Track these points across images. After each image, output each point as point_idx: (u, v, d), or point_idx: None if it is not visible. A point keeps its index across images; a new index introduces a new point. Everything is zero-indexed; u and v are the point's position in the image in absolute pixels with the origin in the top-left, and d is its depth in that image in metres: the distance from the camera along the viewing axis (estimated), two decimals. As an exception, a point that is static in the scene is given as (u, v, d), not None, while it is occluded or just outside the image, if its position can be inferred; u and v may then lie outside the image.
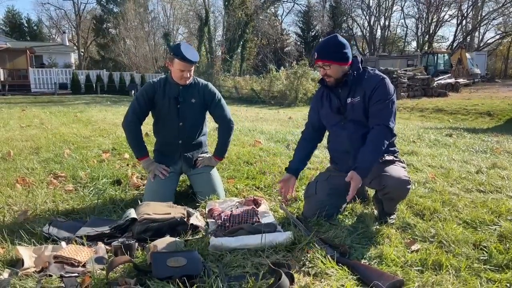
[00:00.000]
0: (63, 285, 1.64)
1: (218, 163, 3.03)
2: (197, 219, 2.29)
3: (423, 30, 38.71)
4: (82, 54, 40.06)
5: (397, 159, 2.38)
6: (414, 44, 41.63)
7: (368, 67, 2.38)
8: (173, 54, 2.67)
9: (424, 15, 37.73)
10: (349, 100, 2.33)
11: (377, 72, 2.36)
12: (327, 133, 2.65)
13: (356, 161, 2.19)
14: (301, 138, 2.65)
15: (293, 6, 38.90)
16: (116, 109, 11.75)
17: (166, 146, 2.90)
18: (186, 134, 2.86)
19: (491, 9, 35.49)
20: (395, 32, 43.47)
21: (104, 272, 1.70)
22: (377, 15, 39.57)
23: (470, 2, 35.46)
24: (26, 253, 1.82)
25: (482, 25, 37.21)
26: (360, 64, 2.34)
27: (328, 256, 1.83)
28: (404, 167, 2.38)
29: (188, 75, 2.73)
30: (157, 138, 2.96)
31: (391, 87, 2.30)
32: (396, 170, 2.25)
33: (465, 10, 36.69)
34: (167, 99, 2.78)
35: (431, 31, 37.78)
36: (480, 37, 39.78)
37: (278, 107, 16.41)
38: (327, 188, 2.43)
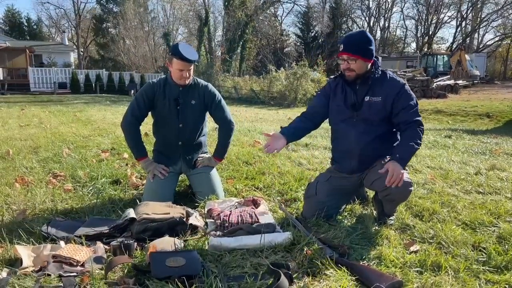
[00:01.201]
0: (61, 284, 1.63)
1: (218, 163, 3.02)
2: (196, 219, 2.29)
3: (422, 31, 38.80)
4: (82, 53, 40.00)
5: None
6: (413, 45, 41.74)
7: (388, 70, 2.38)
8: (171, 53, 2.66)
9: (424, 17, 37.82)
10: (367, 98, 2.31)
11: (396, 75, 2.37)
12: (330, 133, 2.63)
13: (394, 151, 2.21)
14: (296, 118, 2.56)
15: (293, 7, 38.93)
16: (116, 108, 11.74)
17: (166, 146, 2.89)
18: (186, 135, 2.85)
19: (490, 11, 35.60)
20: (394, 33, 43.56)
21: (103, 271, 1.70)
22: (376, 16, 39.63)
23: (469, 3, 35.53)
24: (25, 252, 1.82)
25: (481, 26, 37.35)
26: (379, 65, 2.34)
27: (327, 256, 1.83)
28: (406, 170, 2.37)
29: (187, 75, 2.71)
30: (157, 139, 2.96)
31: (412, 93, 2.32)
32: None
33: (465, 12, 36.80)
34: (167, 100, 2.77)
35: (430, 33, 37.85)
36: (480, 38, 39.95)
37: (277, 108, 16.42)
38: (327, 189, 2.43)
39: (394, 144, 2.35)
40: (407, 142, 2.22)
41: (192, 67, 2.72)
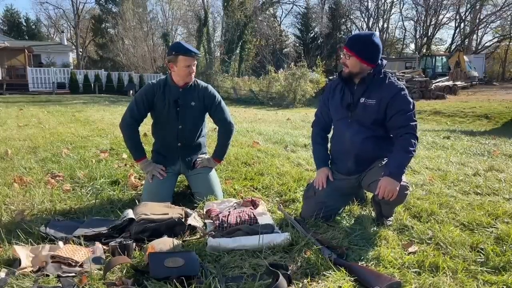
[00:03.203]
0: (60, 285, 1.63)
1: (217, 165, 3.02)
2: (195, 220, 2.29)
3: (421, 32, 38.82)
4: (81, 53, 39.93)
5: None
6: (412, 46, 41.81)
7: (389, 73, 2.38)
8: (175, 52, 2.66)
9: (423, 18, 37.85)
10: (362, 99, 2.32)
11: (396, 79, 2.36)
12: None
13: (387, 166, 2.22)
14: (315, 143, 2.62)
15: (292, 8, 38.76)
16: (114, 109, 11.73)
17: (165, 147, 2.89)
18: (185, 136, 2.85)
19: (489, 12, 35.67)
20: (393, 34, 43.57)
21: (102, 272, 1.70)
22: (375, 17, 39.65)
23: (468, 5, 35.60)
24: (23, 253, 1.82)
25: (480, 28, 37.36)
26: (382, 68, 2.32)
27: (326, 257, 1.83)
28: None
29: (194, 70, 2.73)
30: (156, 139, 2.96)
31: (410, 98, 2.31)
32: None
33: (463, 13, 36.87)
34: (167, 102, 2.77)
35: (429, 34, 37.87)
36: (478, 40, 40.00)
37: (276, 108, 16.42)
38: (326, 190, 2.43)
39: (391, 149, 2.35)
40: (399, 155, 2.23)
41: (195, 62, 2.74)
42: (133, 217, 2.22)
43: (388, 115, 2.28)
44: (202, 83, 2.89)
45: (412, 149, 2.22)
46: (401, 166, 2.21)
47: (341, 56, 2.37)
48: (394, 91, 2.27)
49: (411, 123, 2.25)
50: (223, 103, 2.93)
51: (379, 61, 2.30)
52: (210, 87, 2.90)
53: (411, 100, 2.30)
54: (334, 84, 2.51)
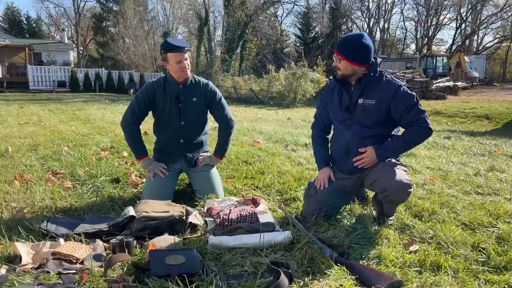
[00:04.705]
0: (61, 281, 1.63)
1: (219, 162, 3.02)
2: (195, 218, 2.29)
3: (422, 33, 38.81)
4: (81, 52, 39.93)
5: (399, 162, 2.37)
6: (413, 46, 41.79)
7: (386, 72, 2.36)
8: (164, 50, 2.67)
9: (424, 18, 37.85)
10: (360, 100, 2.31)
11: (393, 78, 2.35)
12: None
13: (382, 144, 2.29)
14: (316, 143, 2.63)
15: (292, 7, 38.83)
16: (115, 107, 11.73)
17: (167, 145, 2.88)
18: (187, 133, 2.85)
19: (490, 13, 35.68)
20: (394, 34, 43.58)
21: (102, 269, 1.70)
22: (376, 17, 39.64)
23: (469, 5, 35.61)
24: (24, 250, 1.82)
25: (481, 28, 37.38)
26: (377, 67, 2.31)
27: (327, 256, 1.83)
28: (405, 171, 2.37)
29: (186, 65, 2.70)
30: (158, 137, 2.95)
31: (410, 91, 2.29)
32: (398, 173, 2.24)
33: (464, 14, 36.86)
34: (168, 99, 2.76)
35: (430, 34, 37.87)
36: (479, 40, 39.99)
37: (277, 108, 16.41)
38: (328, 189, 2.43)
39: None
40: (396, 139, 2.33)
41: (187, 56, 2.71)
42: (134, 214, 2.22)
43: (396, 115, 2.26)
44: (203, 80, 2.89)
45: (412, 136, 2.28)
46: (390, 148, 2.30)
47: (334, 59, 2.35)
48: (393, 89, 2.25)
49: (421, 115, 2.24)
50: (223, 100, 2.93)
51: (373, 60, 2.29)
52: (211, 84, 2.90)
53: (413, 93, 2.29)
54: (332, 86, 2.49)
